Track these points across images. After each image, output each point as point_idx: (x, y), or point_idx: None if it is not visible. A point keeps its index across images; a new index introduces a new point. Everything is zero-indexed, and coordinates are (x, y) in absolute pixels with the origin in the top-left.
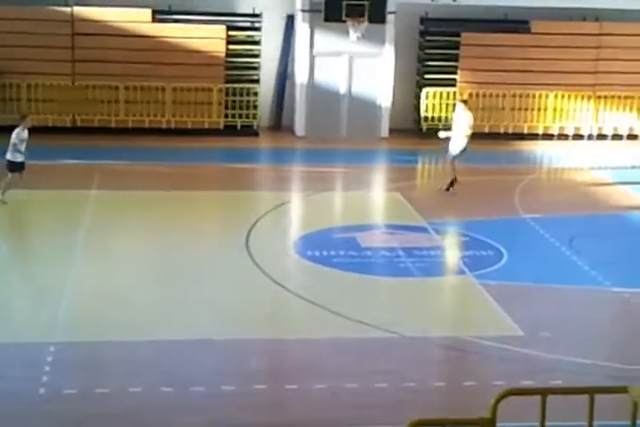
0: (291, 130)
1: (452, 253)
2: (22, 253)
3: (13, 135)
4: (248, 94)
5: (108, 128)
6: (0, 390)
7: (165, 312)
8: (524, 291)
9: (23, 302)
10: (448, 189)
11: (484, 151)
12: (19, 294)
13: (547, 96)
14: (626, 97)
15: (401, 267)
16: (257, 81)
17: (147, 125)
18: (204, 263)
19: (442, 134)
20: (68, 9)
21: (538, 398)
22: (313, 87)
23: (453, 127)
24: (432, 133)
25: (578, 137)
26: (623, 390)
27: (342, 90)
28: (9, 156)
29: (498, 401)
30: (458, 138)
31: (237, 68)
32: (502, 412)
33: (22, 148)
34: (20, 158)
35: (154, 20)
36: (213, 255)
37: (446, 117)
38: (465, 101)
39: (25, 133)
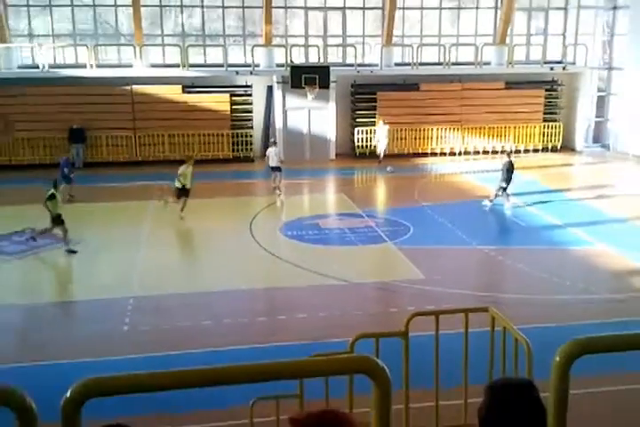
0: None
1: (377, 230)
2: (108, 242)
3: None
4: (246, 136)
5: (159, 161)
6: (98, 330)
7: (201, 274)
8: (425, 251)
9: (113, 271)
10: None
11: (396, 165)
12: (110, 266)
13: (431, 129)
14: (480, 128)
15: (347, 240)
16: (251, 127)
17: (183, 158)
18: (223, 242)
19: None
20: (129, 87)
21: (433, 316)
22: (287, 129)
23: (379, 137)
24: (362, 156)
25: (452, 154)
26: (485, 309)
27: (305, 130)
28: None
29: (409, 320)
30: (385, 141)
31: (238, 119)
32: (414, 326)
33: (183, 178)
34: (178, 185)
35: (184, 91)
36: (230, 236)
37: (371, 145)
38: (384, 121)
39: (189, 168)
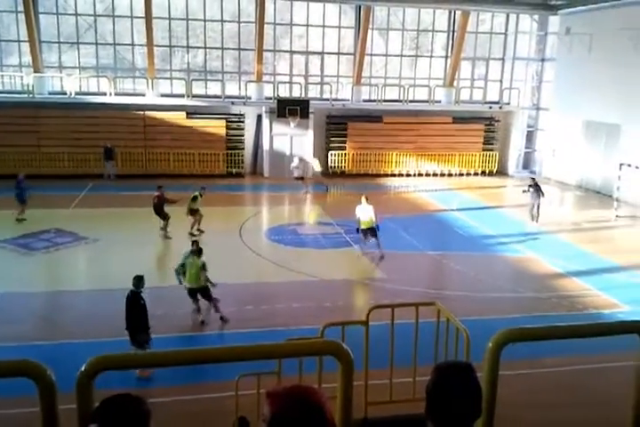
0: (261, 173)
1: (345, 236)
2: (120, 241)
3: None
4: (238, 156)
5: (165, 175)
6: (109, 314)
7: None
8: (385, 255)
9: (123, 265)
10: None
11: (361, 183)
12: (120, 261)
13: (392, 154)
14: (431, 154)
15: (320, 244)
16: (242, 149)
17: (185, 173)
18: (217, 244)
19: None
20: (142, 112)
21: (390, 309)
22: (272, 151)
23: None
24: (334, 174)
25: (408, 175)
26: (432, 303)
27: (287, 152)
28: None
29: (369, 312)
30: (317, 166)
31: (232, 142)
32: (374, 317)
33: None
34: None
35: (187, 117)
36: (223, 239)
37: (342, 166)
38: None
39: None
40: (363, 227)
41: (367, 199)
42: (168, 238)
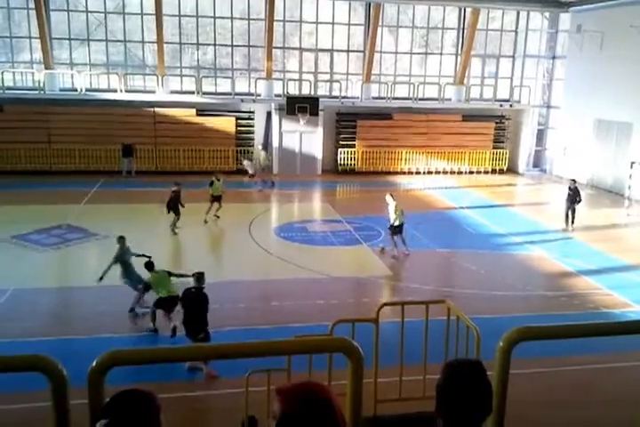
0: (270, 170)
1: (354, 233)
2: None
3: None
4: (247, 153)
5: (175, 171)
6: (112, 311)
7: (209, 266)
8: (396, 254)
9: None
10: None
11: (370, 181)
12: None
13: (401, 152)
14: (441, 152)
15: (329, 241)
16: (252, 146)
17: (195, 169)
18: (227, 241)
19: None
20: (152, 109)
21: (400, 306)
22: (282, 148)
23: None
24: (344, 172)
25: (418, 173)
26: (442, 301)
27: (297, 149)
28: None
29: (379, 309)
30: (263, 159)
31: (242, 139)
32: (383, 314)
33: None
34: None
35: (197, 114)
36: (233, 236)
37: (351, 164)
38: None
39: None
40: (397, 224)
41: (392, 196)
42: (174, 234)
